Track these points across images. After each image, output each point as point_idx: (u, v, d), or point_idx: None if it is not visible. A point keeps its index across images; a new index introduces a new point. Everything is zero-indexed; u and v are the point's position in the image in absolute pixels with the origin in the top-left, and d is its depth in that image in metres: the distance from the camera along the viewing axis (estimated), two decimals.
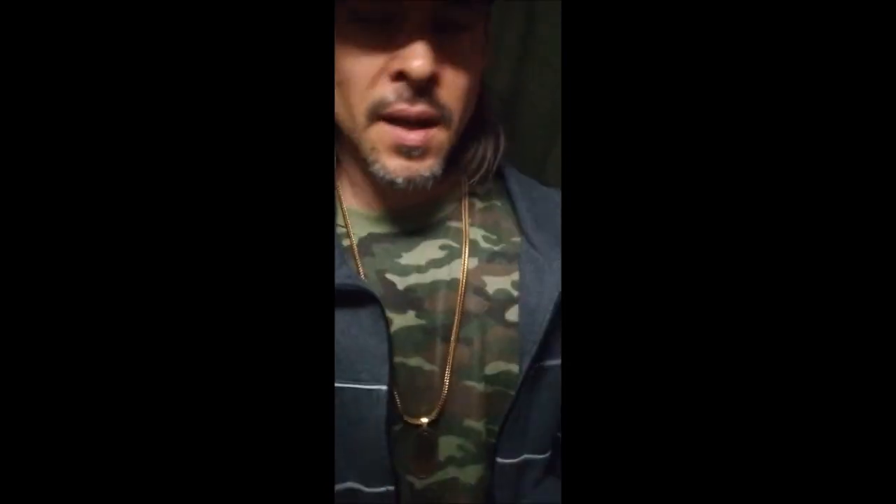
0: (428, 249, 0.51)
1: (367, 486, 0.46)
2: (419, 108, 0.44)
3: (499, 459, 0.48)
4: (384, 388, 0.45)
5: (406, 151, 0.46)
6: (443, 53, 0.43)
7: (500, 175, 0.54)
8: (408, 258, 0.50)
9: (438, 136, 0.46)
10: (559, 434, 0.50)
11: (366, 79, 0.44)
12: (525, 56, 0.99)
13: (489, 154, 0.51)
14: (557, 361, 0.49)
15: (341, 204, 0.53)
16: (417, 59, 0.42)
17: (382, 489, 0.46)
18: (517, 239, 0.52)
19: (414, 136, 0.45)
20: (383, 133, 0.46)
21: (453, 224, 0.52)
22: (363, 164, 0.49)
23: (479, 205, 0.53)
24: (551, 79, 0.96)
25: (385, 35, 0.43)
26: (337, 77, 0.46)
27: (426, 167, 0.47)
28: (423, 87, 0.44)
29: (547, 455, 0.50)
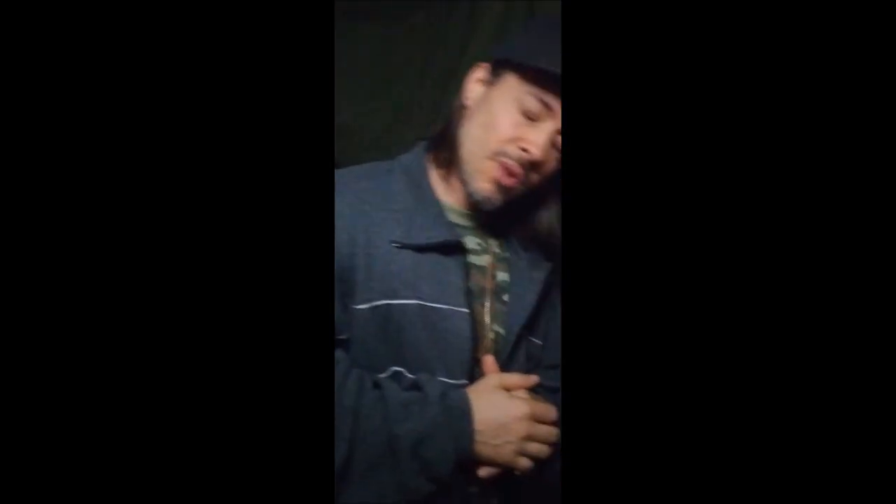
0: (471, 242, 0.76)
1: (453, 378, 0.68)
2: (521, 171, 0.71)
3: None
4: (468, 311, 0.70)
5: (497, 186, 0.71)
6: (548, 153, 0.71)
7: None
8: (467, 243, 0.75)
9: (515, 190, 0.72)
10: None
11: (507, 135, 0.70)
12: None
13: (554, 225, 0.78)
14: (535, 340, 0.79)
15: (441, 190, 0.78)
16: (537, 148, 0.69)
17: (462, 381, 0.68)
18: (508, 254, 0.78)
19: (508, 181, 0.71)
20: (492, 168, 0.71)
21: (480, 230, 0.78)
22: (464, 178, 0.74)
23: (501, 252, 0.79)
24: None
25: (530, 123, 0.70)
26: (491, 121, 0.72)
27: (496, 199, 0.72)
28: (529, 163, 0.70)
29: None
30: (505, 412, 0.65)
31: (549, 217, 0.77)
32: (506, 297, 0.74)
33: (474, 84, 0.76)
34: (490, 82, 0.74)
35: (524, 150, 0.69)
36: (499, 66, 0.74)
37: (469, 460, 0.65)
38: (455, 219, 0.76)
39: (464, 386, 0.68)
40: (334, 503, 0.62)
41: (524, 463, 0.66)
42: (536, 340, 0.76)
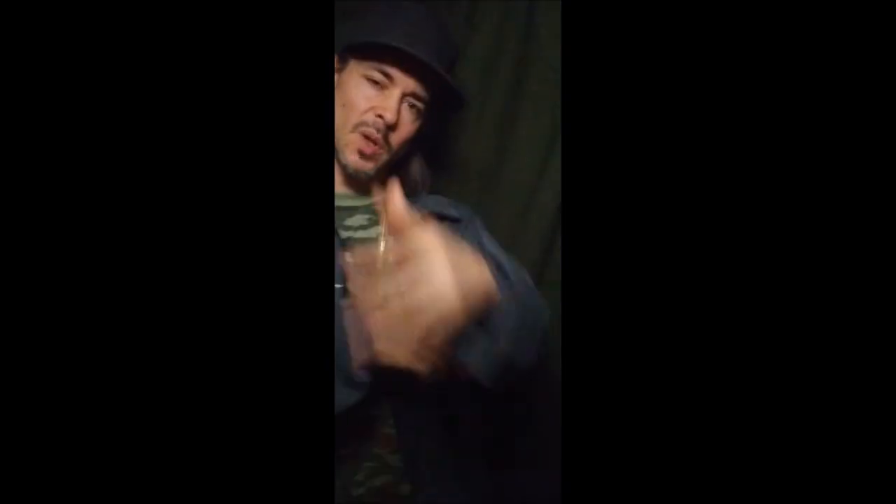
0: (359, 219, 0.84)
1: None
2: (379, 136, 0.80)
3: None
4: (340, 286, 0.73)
5: (362, 154, 0.81)
6: (403, 115, 0.81)
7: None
8: (349, 222, 0.84)
9: (381, 155, 0.82)
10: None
11: (362, 107, 0.81)
12: (526, 56, 0.99)
13: (419, 177, 0.90)
14: None
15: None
16: (389, 112, 0.79)
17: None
18: None
19: (370, 149, 0.81)
20: (356, 139, 0.81)
21: (377, 208, 0.85)
22: (338, 158, 0.84)
23: None
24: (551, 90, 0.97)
25: (379, 93, 0.80)
26: (347, 100, 0.81)
27: (368, 167, 0.82)
28: (387, 127, 0.80)
29: None
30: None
31: (415, 172, 0.89)
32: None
33: (337, 69, 0.87)
34: (340, 69, 0.85)
35: (379, 115, 0.79)
36: (343, 54, 0.84)
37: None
38: (345, 202, 0.84)
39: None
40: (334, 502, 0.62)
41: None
42: None
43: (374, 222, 0.85)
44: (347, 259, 0.68)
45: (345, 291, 0.69)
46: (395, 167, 0.87)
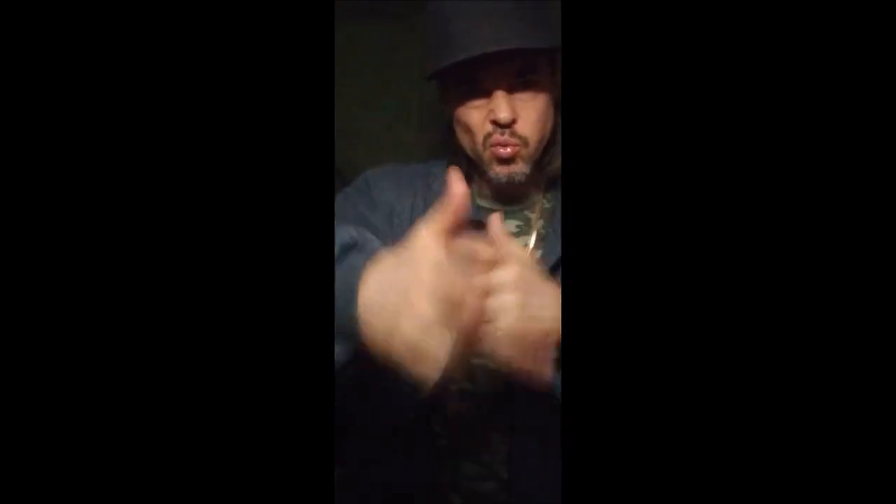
0: (510, 226, 0.83)
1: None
2: (506, 137, 0.76)
3: None
4: None
5: (503, 160, 0.78)
6: (518, 104, 0.76)
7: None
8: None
9: (521, 151, 0.77)
10: None
11: (479, 124, 0.78)
12: None
13: (555, 160, 0.83)
14: None
15: (475, 199, 0.86)
16: (502, 112, 0.74)
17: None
18: (551, 229, 0.83)
19: (506, 151, 0.77)
20: (491, 152, 0.78)
21: (526, 213, 0.85)
22: (484, 173, 0.81)
23: (545, 205, 0.85)
24: None
25: (486, 99, 0.76)
26: (465, 125, 0.79)
27: (518, 169, 0.78)
28: (507, 126, 0.76)
29: None
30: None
31: (556, 162, 0.83)
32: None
33: (445, 101, 0.85)
34: (443, 100, 0.84)
35: (494, 121, 0.76)
36: (437, 85, 0.83)
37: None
38: (496, 205, 0.84)
39: None
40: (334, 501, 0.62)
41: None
42: None
43: (525, 230, 0.83)
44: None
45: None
46: (548, 152, 0.83)
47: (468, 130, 0.79)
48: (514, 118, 0.75)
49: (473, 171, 0.86)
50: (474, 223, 0.67)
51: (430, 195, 0.83)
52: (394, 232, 0.81)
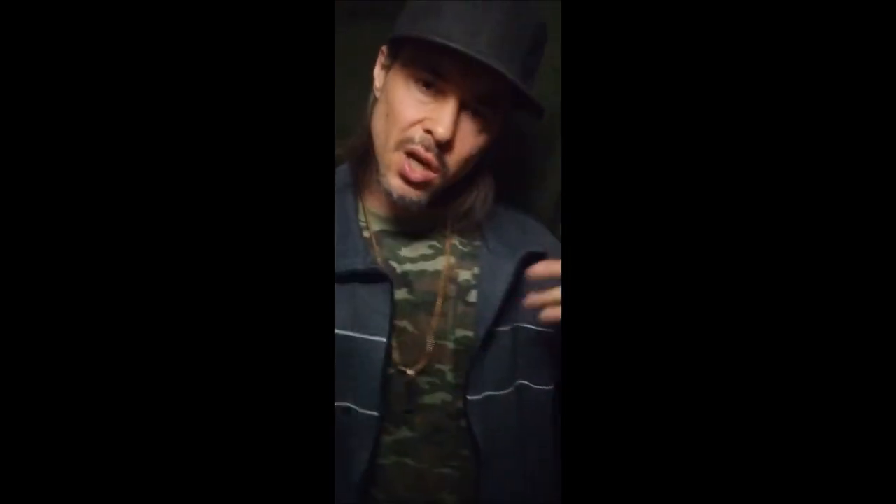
0: (420, 247, 0.70)
1: (361, 408, 0.64)
2: (429, 156, 0.63)
3: (468, 397, 0.66)
4: (384, 339, 0.64)
5: (407, 180, 0.64)
6: (462, 128, 0.63)
7: None
8: (405, 252, 0.70)
9: (434, 181, 0.65)
10: (520, 381, 0.69)
11: (408, 120, 0.63)
12: None
13: (477, 206, 0.70)
14: (506, 328, 0.69)
15: (363, 202, 0.71)
16: (441, 126, 0.61)
17: (372, 412, 0.64)
18: (478, 243, 0.72)
19: (416, 174, 0.63)
20: (399, 160, 0.64)
21: (438, 231, 0.71)
22: (379, 179, 0.67)
23: (461, 248, 0.72)
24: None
25: (433, 100, 0.63)
26: (393, 111, 0.64)
27: (417, 195, 0.65)
28: (439, 146, 0.63)
29: (506, 391, 0.68)
30: None
31: (478, 198, 0.70)
32: (471, 298, 0.69)
33: (378, 70, 0.69)
34: (387, 67, 0.68)
35: (427, 131, 0.62)
36: (394, 46, 0.67)
37: None
38: (398, 227, 0.71)
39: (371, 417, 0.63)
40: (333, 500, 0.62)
41: None
42: (532, 327, 0.69)
43: (440, 251, 0.70)
44: None
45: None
46: (455, 190, 0.70)
47: (393, 119, 0.64)
48: (450, 140, 0.62)
49: (366, 173, 0.71)
50: (352, 274, 0.63)
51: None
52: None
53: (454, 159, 0.65)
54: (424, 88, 0.64)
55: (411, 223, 0.71)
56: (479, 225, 0.72)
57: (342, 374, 0.63)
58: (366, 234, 0.69)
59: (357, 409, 0.64)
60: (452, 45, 0.59)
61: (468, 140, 0.64)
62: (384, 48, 0.69)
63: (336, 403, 0.63)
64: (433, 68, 0.63)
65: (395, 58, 0.67)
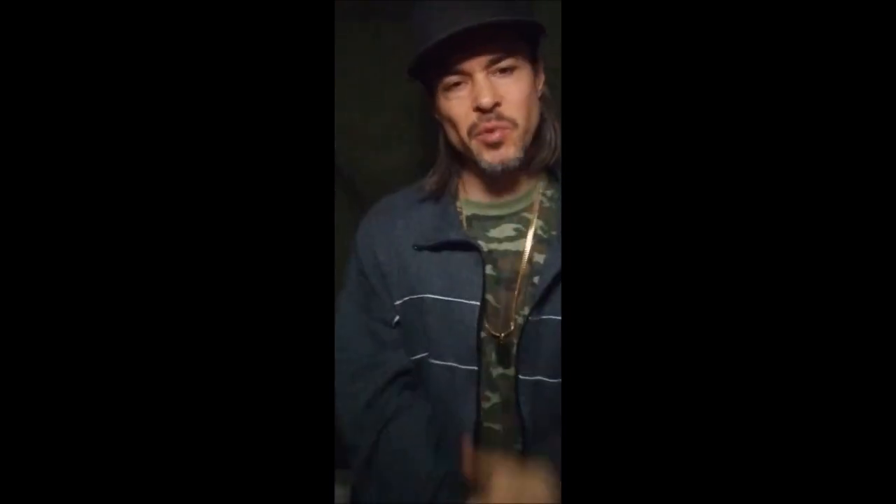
0: (507, 229, 0.81)
1: (461, 364, 0.76)
2: (492, 122, 0.73)
3: (520, 376, 0.76)
4: (478, 303, 0.76)
5: (493, 145, 0.74)
6: (500, 88, 0.73)
7: (556, 178, 0.84)
8: (493, 233, 0.81)
9: (511, 134, 0.74)
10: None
11: (463, 115, 0.75)
12: None
13: (550, 138, 0.80)
14: (553, 317, 0.76)
15: (461, 194, 0.85)
16: (483, 96, 0.72)
17: (472, 367, 0.76)
18: (555, 232, 0.80)
19: (493, 136, 0.74)
20: (478, 142, 0.76)
21: (525, 215, 0.81)
22: (473, 165, 0.79)
23: (545, 204, 0.82)
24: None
25: (467, 89, 0.74)
26: (449, 119, 0.77)
27: (509, 154, 0.75)
28: (491, 110, 0.73)
29: (557, 381, 0.75)
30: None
31: (547, 136, 0.80)
32: (536, 280, 0.77)
33: (430, 101, 0.82)
34: (427, 98, 0.81)
35: (478, 108, 0.73)
36: (419, 81, 0.80)
37: None
38: (489, 212, 0.82)
39: (471, 372, 0.75)
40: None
41: None
42: None
43: (523, 233, 0.80)
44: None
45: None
46: (538, 142, 0.80)
47: (453, 124, 0.76)
48: (497, 101, 0.72)
49: (463, 168, 0.84)
50: (462, 244, 0.78)
51: (410, 233, 0.82)
52: (389, 289, 0.81)
53: (512, 111, 0.74)
54: (456, 87, 0.74)
55: (500, 207, 0.82)
56: (552, 171, 0.83)
57: (440, 336, 0.77)
58: (460, 217, 0.82)
59: (457, 365, 0.76)
60: (434, 40, 0.69)
61: (513, 92, 0.74)
62: (417, 82, 0.81)
63: (436, 362, 0.78)
64: (446, 70, 0.73)
65: (428, 88, 0.80)
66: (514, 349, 0.76)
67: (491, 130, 0.73)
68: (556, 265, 0.75)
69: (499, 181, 0.80)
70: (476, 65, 0.72)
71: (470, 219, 0.82)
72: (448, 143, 0.81)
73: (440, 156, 0.83)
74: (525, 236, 0.80)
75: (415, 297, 0.79)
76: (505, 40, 0.72)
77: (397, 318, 0.81)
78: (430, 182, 0.83)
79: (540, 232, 0.80)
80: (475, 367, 0.76)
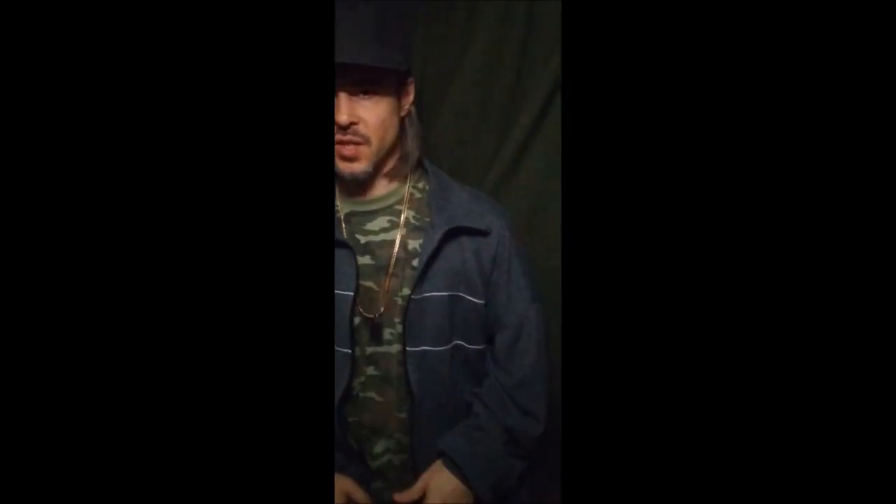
0: (381, 222, 0.91)
1: (339, 347, 0.86)
2: (348, 137, 0.84)
3: (407, 348, 0.87)
4: (352, 293, 0.86)
5: (347, 158, 0.85)
6: (360, 110, 0.84)
7: (427, 172, 0.94)
8: (369, 226, 0.91)
9: (364, 150, 0.85)
10: (456, 341, 0.89)
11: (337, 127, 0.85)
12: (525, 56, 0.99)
13: (411, 150, 0.91)
14: (434, 294, 0.87)
15: (339, 193, 0.93)
16: (340, 115, 0.82)
17: (346, 350, 0.86)
18: (428, 219, 0.90)
19: (347, 150, 0.85)
20: (337, 152, 0.85)
21: (397, 207, 0.91)
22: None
23: (416, 195, 0.93)
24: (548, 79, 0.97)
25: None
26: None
27: (360, 168, 0.86)
28: (348, 128, 0.83)
29: (442, 348, 0.88)
30: None
31: (408, 146, 0.90)
32: (415, 263, 0.88)
33: None
34: None
35: (336, 124, 0.82)
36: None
37: None
38: (365, 207, 0.91)
39: (345, 355, 0.86)
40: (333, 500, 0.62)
41: None
42: (475, 300, 0.88)
43: (396, 224, 0.90)
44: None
45: None
46: (391, 150, 0.89)
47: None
48: (353, 121, 0.82)
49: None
50: (339, 242, 0.86)
51: None
52: None
53: (367, 130, 0.84)
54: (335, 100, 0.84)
55: (373, 202, 0.91)
56: (417, 168, 0.93)
57: (337, 326, 0.86)
58: (338, 215, 0.92)
59: (338, 349, 0.86)
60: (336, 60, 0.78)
61: (371, 112, 0.84)
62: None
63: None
64: (353, 89, 0.83)
65: None
66: (399, 326, 0.87)
67: (346, 144, 0.83)
68: (430, 248, 0.86)
69: (363, 185, 0.90)
70: (342, 87, 0.82)
71: (348, 216, 0.91)
72: None
73: None
74: (397, 227, 0.90)
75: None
76: (376, 73, 0.83)
77: None
78: None
79: (413, 221, 0.90)
80: (349, 350, 0.86)
